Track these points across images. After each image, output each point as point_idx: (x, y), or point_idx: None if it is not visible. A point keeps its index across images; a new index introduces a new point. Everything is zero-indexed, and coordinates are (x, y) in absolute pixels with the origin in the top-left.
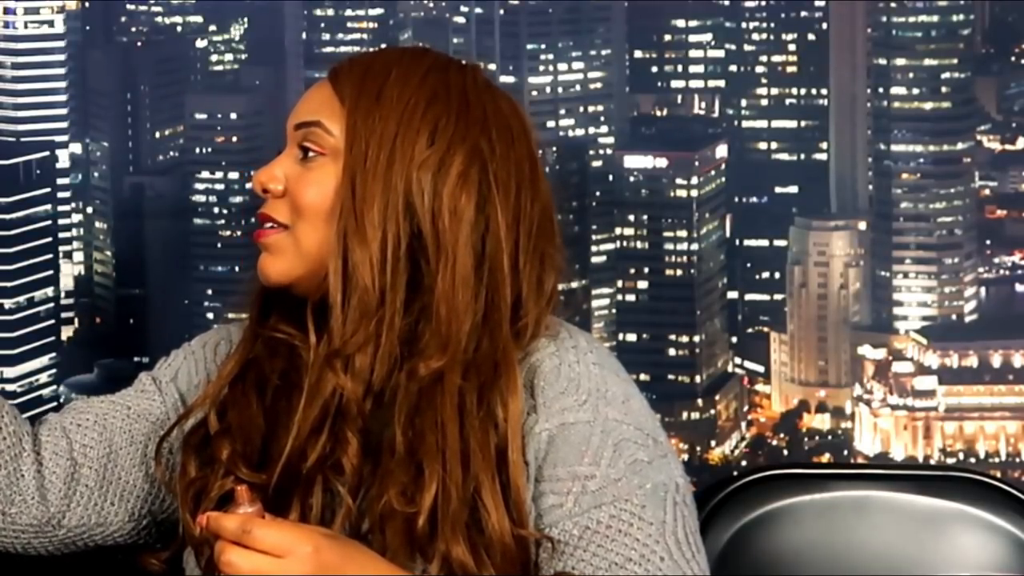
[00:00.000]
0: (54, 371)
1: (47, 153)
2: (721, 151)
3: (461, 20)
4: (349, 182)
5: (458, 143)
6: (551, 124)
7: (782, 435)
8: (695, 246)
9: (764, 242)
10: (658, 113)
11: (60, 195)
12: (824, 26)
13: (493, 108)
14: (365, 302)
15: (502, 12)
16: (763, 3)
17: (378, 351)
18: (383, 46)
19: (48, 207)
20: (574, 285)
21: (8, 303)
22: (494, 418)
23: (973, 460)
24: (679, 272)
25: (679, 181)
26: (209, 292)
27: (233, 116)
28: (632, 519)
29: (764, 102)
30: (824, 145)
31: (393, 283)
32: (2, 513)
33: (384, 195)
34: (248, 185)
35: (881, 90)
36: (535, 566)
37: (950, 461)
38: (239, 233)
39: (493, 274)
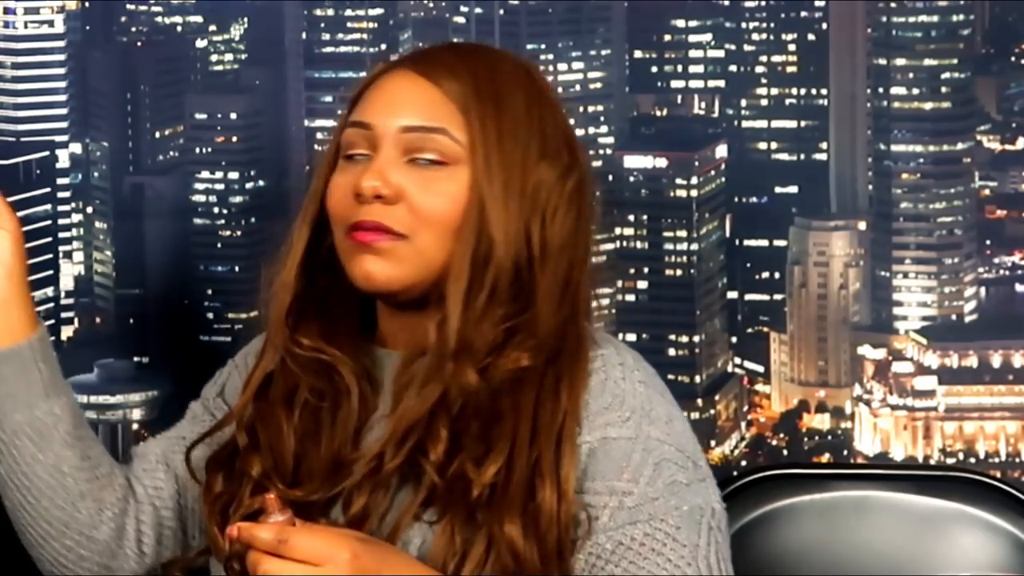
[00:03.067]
0: None
1: (47, 153)
2: (721, 151)
3: (461, 20)
4: (480, 191)
5: (566, 153)
6: None
7: (782, 435)
8: (695, 246)
9: (764, 242)
10: (658, 113)
11: (60, 195)
12: (824, 26)
13: (564, 111)
14: (492, 302)
15: (502, 12)
16: (763, 3)
17: (490, 345)
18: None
19: (48, 207)
20: None
21: None
22: (563, 404)
23: (973, 460)
24: (679, 272)
25: (679, 181)
26: (209, 292)
27: (233, 116)
28: (666, 539)
29: (764, 102)
30: (824, 145)
31: (512, 282)
32: (106, 567)
33: (515, 203)
34: (248, 185)
35: (881, 90)
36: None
37: (950, 461)
38: (239, 233)
39: (579, 275)
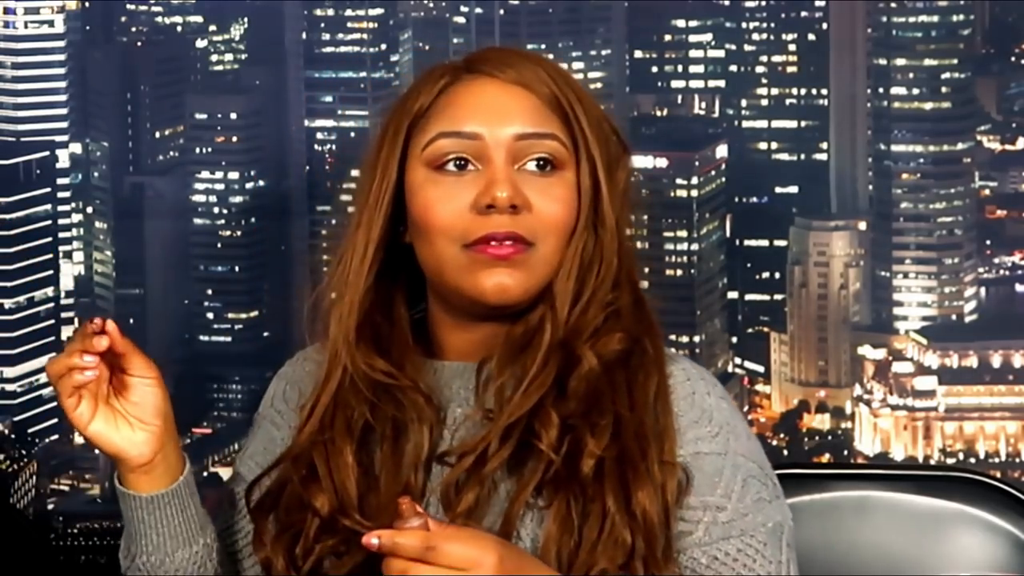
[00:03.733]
0: None
1: (47, 153)
2: (721, 151)
3: (461, 20)
4: (589, 192)
5: (615, 135)
6: None
7: (782, 435)
8: (695, 246)
9: (764, 242)
10: (658, 113)
11: (60, 195)
12: (824, 26)
13: None
14: (598, 293)
15: (502, 12)
16: (763, 3)
17: (595, 327)
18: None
19: (48, 207)
20: None
21: (8, 303)
22: (651, 385)
23: (973, 460)
24: (679, 272)
25: (679, 181)
26: (209, 292)
27: (233, 116)
28: (756, 555)
29: (764, 102)
30: (824, 145)
31: (616, 272)
32: None
33: (616, 199)
34: (248, 185)
35: (881, 90)
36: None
37: (950, 461)
38: (239, 233)
39: (632, 257)
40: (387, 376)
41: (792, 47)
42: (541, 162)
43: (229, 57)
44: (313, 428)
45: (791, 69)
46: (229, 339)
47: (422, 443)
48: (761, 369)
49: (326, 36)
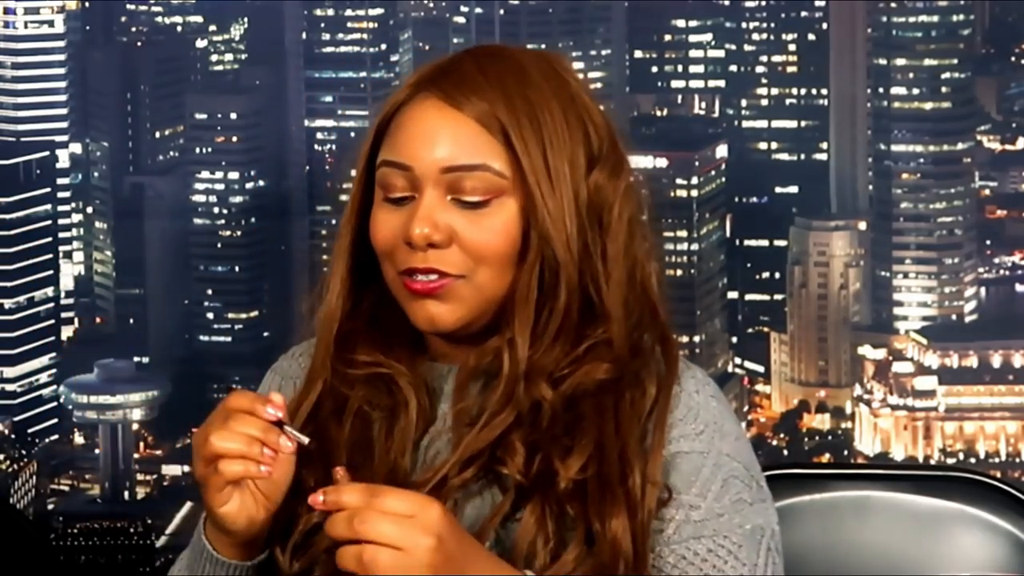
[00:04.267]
0: (54, 371)
1: (47, 153)
2: (721, 151)
3: (461, 20)
4: (542, 216)
5: (612, 155)
6: None
7: (782, 435)
8: (695, 246)
9: (764, 242)
10: (658, 113)
11: (60, 195)
12: (824, 26)
13: (597, 102)
14: (564, 325)
15: (502, 12)
16: (763, 3)
17: (566, 362)
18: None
19: (48, 207)
20: None
21: (8, 303)
22: (646, 404)
23: (973, 460)
24: (679, 272)
25: (679, 181)
26: (209, 292)
27: (233, 116)
28: (728, 556)
29: (764, 102)
30: (824, 145)
31: (580, 298)
32: None
33: (570, 220)
34: (248, 185)
35: (881, 90)
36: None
37: (950, 461)
38: (239, 233)
39: (644, 271)
40: (373, 365)
41: (792, 47)
42: (469, 194)
43: (229, 57)
44: (304, 415)
45: (791, 69)
46: (229, 339)
47: (410, 427)
48: (761, 369)
49: (326, 36)
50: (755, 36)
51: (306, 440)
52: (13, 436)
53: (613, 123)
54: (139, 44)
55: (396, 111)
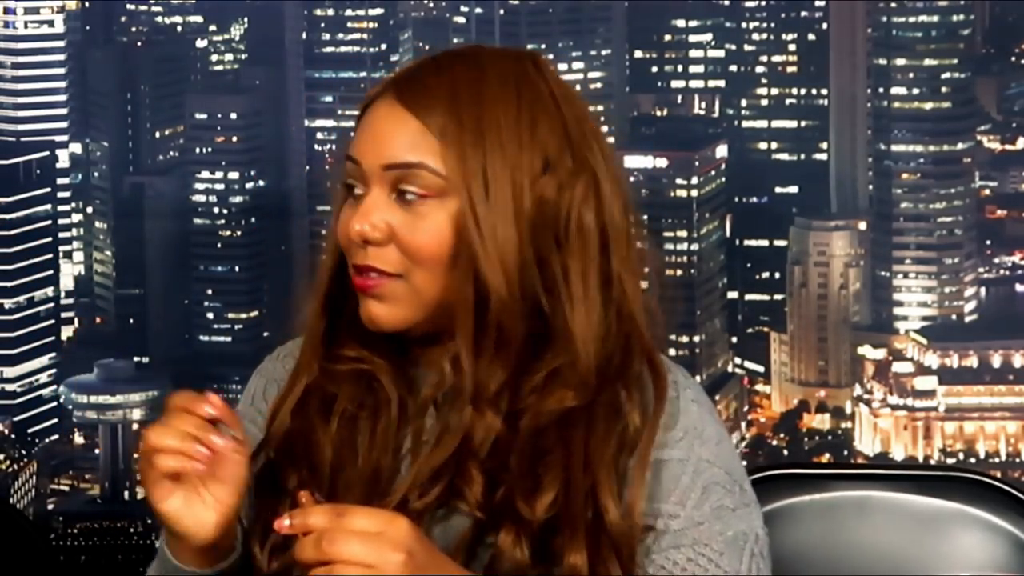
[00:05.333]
0: (54, 371)
1: (47, 153)
2: (721, 151)
3: (461, 20)
4: (472, 222)
5: (569, 158)
6: None
7: (782, 435)
8: (695, 246)
9: (764, 242)
10: (658, 113)
11: (60, 195)
12: (824, 26)
13: (579, 105)
14: (503, 339)
15: (502, 12)
16: (763, 3)
17: (511, 386)
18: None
19: (48, 207)
20: None
21: (8, 303)
22: (623, 425)
23: (973, 460)
24: (679, 272)
25: (679, 181)
26: (209, 292)
27: (233, 116)
28: (709, 564)
29: (764, 102)
30: (824, 145)
31: (528, 316)
32: None
33: (511, 228)
34: (248, 185)
35: (881, 90)
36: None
37: (950, 461)
38: (239, 233)
39: (621, 283)
40: (357, 360)
41: (792, 47)
42: (408, 193)
43: (229, 57)
44: (288, 411)
45: (791, 69)
46: (229, 339)
47: (392, 427)
48: (761, 369)
49: (326, 36)
50: (755, 36)
51: (241, 437)
52: (13, 436)
53: (594, 126)
54: (139, 44)
55: (366, 108)
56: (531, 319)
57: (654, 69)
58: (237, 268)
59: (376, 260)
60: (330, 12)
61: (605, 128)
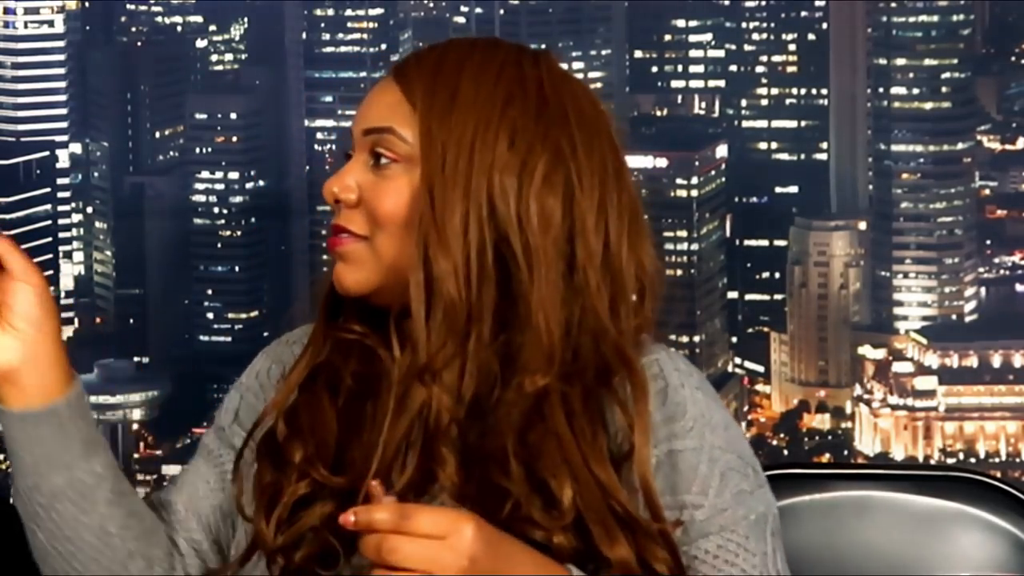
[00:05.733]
0: None
1: (47, 153)
2: (721, 151)
3: (461, 20)
4: (427, 190)
5: (539, 143)
6: None
7: (782, 435)
8: (695, 246)
9: (764, 242)
10: (658, 113)
11: (60, 195)
12: (824, 26)
13: (572, 101)
14: (451, 314)
15: (502, 12)
16: (763, 3)
17: (466, 364)
18: (452, 38)
19: (48, 207)
20: None
21: None
22: (604, 421)
23: (973, 460)
24: (679, 272)
25: (679, 181)
26: (209, 292)
27: (233, 116)
28: (738, 550)
29: (764, 102)
30: (824, 145)
31: (480, 293)
32: None
33: (465, 202)
34: (248, 185)
35: (881, 90)
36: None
37: (950, 461)
38: (239, 233)
39: (586, 276)
40: (361, 336)
41: (792, 47)
42: (382, 158)
43: (229, 57)
44: (295, 384)
45: (791, 69)
46: (229, 339)
47: (390, 403)
48: (761, 369)
49: (326, 36)
50: (755, 36)
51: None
52: None
53: (601, 128)
54: (139, 44)
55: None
56: (488, 297)
57: (654, 69)
58: (237, 268)
59: (346, 221)
60: (330, 12)
61: None
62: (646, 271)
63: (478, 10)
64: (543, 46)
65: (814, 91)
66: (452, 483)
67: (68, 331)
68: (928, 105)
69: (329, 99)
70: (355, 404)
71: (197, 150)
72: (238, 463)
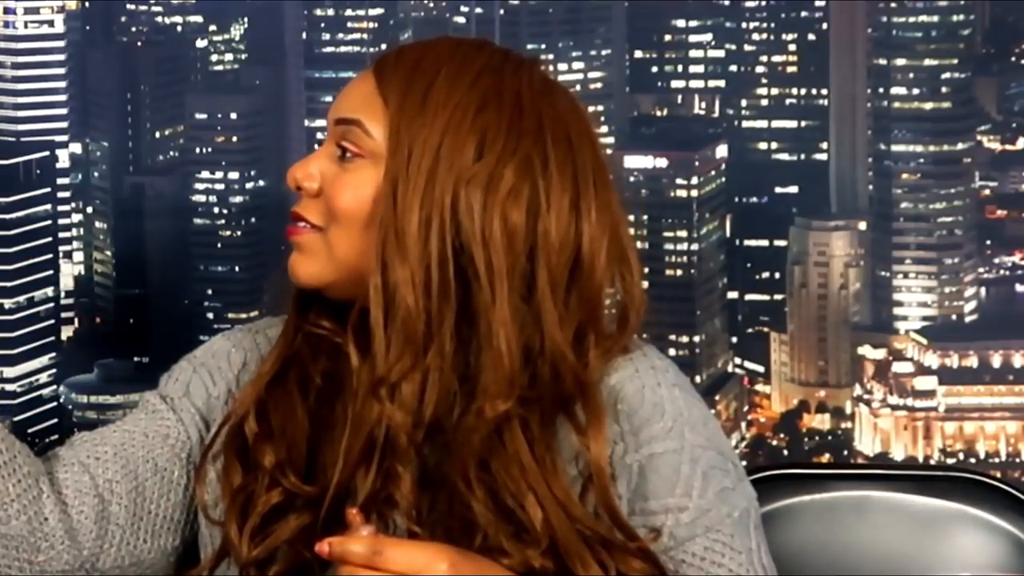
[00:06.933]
0: (54, 371)
1: (47, 153)
2: (721, 151)
3: (461, 20)
4: (390, 191)
5: (508, 155)
6: None
7: (782, 435)
8: (695, 246)
9: (764, 242)
10: (658, 113)
11: (60, 195)
12: (824, 26)
13: (551, 113)
14: (409, 326)
15: (502, 12)
16: (763, 3)
17: (427, 380)
18: (443, 35)
19: (48, 207)
20: None
21: (8, 303)
22: (565, 446)
23: (973, 460)
24: (679, 272)
25: (679, 181)
26: (209, 292)
27: (233, 116)
28: (724, 549)
29: (764, 102)
30: (824, 145)
31: (440, 306)
32: (28, 563)
33: (427, 208)
34: (248, 185)
35: (881, 90)
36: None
37: (950, 461)
38: (239, 233)
39: (544, 299)
40: (331, 332)
41: (792, 47)
42: (348, 151)
43: (229, 57)
44: (266, 376)
45: (791, 69)
46: None
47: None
48: (761, 369)
49: (326, 36)
50: (755, 36)
51: None
52: None
53: (582, 142)
54: (139, 44)
55: None
56: (448, 311)
57: (654, 69)
58: (237, 268)
59: (304, 210)
60: (330, 12)
61: (605, 128)
62: (629, 292)
63: (478, 10)
64: (543, 46)
65: (814, 91)
66: (408, 502)
67: (68, 331)
68: (928, 105)
69: (329, 99)
70: (325, 404)
71: (197, 150)
72: (205, 457)
